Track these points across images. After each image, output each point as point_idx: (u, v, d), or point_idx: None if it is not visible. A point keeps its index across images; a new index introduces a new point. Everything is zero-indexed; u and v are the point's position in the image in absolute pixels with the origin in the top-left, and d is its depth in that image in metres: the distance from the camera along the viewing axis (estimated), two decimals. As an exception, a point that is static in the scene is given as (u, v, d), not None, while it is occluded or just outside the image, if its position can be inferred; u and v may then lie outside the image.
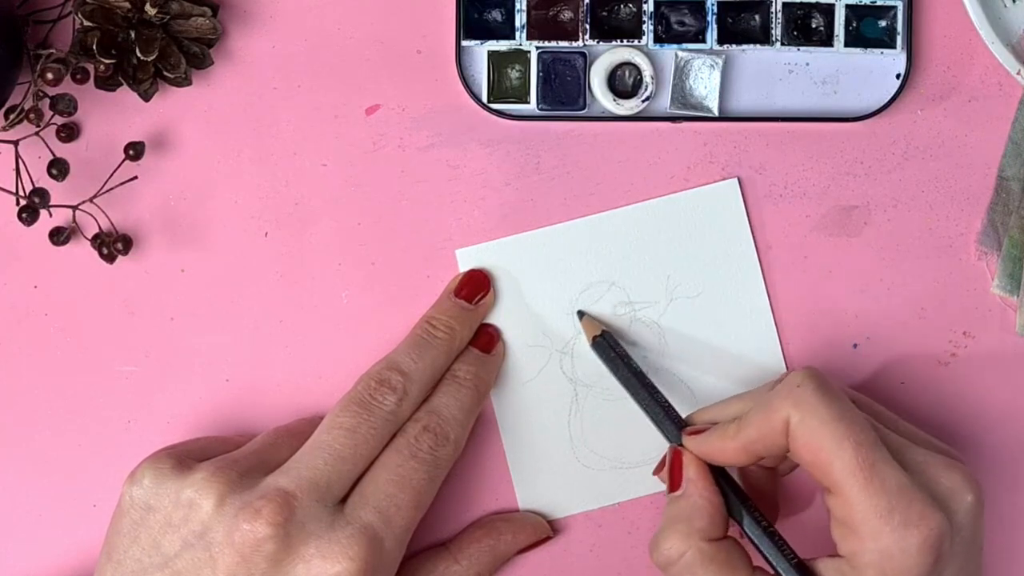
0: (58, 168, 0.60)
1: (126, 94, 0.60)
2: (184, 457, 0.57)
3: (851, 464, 0.52)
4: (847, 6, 0.61)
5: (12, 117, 0.58)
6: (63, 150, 0.61)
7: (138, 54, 0.58)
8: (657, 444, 0.61)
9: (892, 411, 0.59)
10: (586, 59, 0.61)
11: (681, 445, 0.58)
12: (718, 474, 0.57)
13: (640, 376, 0.60)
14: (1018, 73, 0.61)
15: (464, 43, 0.61)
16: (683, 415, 0.59)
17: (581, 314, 0.62)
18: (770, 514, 0.58)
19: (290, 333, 0.62)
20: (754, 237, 0.63)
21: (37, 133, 0.59)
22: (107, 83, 0.59)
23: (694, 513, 0.55)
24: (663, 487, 0.58)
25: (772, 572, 0.55)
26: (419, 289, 0.62)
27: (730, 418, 0.57)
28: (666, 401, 0.59)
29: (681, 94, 0.62)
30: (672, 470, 0.57)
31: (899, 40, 0.62)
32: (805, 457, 0.53)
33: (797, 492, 0.63)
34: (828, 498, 0.54)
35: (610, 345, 0.61)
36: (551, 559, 0.63)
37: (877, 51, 0.62)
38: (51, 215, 0.60)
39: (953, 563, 0.53)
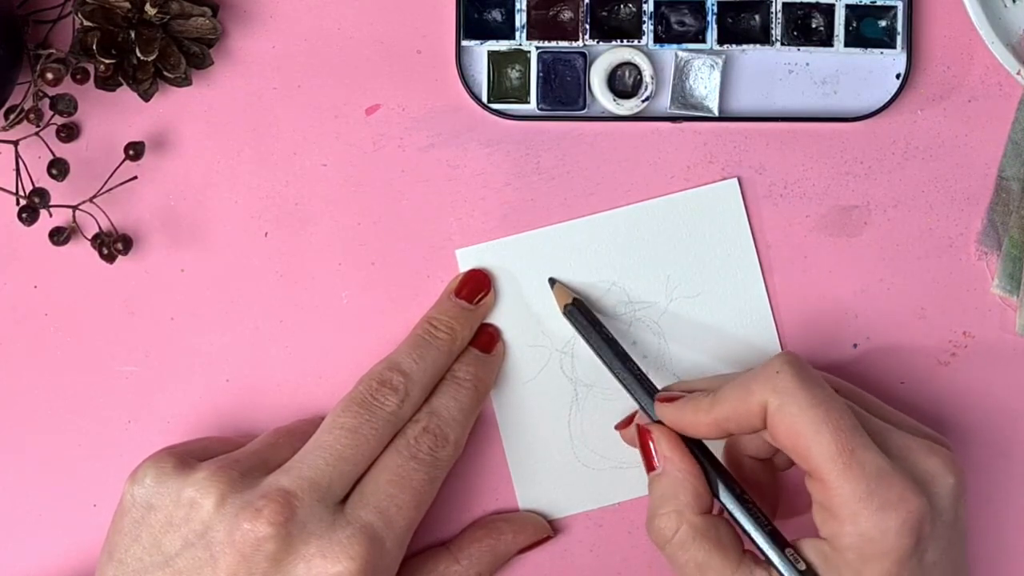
0: (58, 168, 0.60)
1: (126, 94, 0.60)
2: (186, 456, 0.57)
3: (830, 450, 0.52)
4: (847, 6, 0.61)
5: (12, 117, 0.58)
6: (63, 150, 0.61)
7: (138, 54, 0.58)
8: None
9: (891, 410, 0.59)
10: (586, 59, 0.61)
11: (654, 420, 0.58)
12: (693, 445, 0.57)
13: (612, 343, 0.60)
14: (1018, 73, 0.61)
15: (464, 43, 0.61)
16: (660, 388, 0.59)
17: (552, 281, 0.62)
18: (769, 508, 0.58)
19: (290, 333, 0.62)
20: (754, 237, 0.63)
21: (37, 133, 0.59)
22: (107, 83, 0.59)
23: (678, 489, 0.56)
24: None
25: (761, 557, 0.55)
26: (419, 289, 0.62)
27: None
28: (639, 370, 0.59)
29: (681, 94, 0.62)
30: (643, 451, 0.57)
31: (899, 40, 0.62)
32: (784, 443, 0.53)
33: (798, 487, 0.62)
34: (809, 482, 0.54)
35: (581, 312, 0.61)
36: (551, 559, 0.63)
37: (877, 51, 0.62)
38: (51, 215, 0.60)
39: (935, 546, 0.53)
